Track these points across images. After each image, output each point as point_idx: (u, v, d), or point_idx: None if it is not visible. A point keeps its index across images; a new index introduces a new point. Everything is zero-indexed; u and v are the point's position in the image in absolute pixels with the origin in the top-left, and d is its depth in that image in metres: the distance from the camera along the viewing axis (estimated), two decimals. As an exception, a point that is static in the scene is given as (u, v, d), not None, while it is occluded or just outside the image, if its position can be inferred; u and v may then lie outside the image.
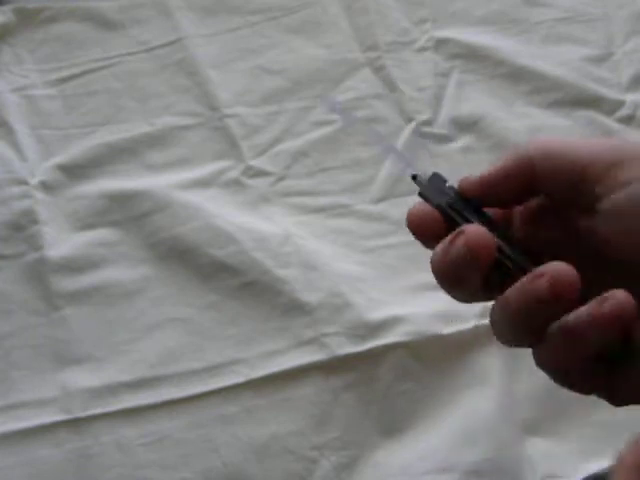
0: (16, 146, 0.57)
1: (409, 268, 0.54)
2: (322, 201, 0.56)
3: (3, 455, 0.49)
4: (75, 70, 0.60)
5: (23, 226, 0.55)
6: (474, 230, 0.27)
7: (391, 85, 0.60)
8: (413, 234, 0.30)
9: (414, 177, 0.30)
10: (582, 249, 0.28)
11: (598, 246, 0.28)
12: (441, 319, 0.51)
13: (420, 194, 0.30)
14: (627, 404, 0.28)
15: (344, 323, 0.51)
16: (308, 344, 0.51)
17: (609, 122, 0.59)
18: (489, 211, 0.30)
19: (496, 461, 0.48)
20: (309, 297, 0.52)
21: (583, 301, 0.26)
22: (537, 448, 0.49)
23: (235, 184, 0.57)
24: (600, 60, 0.61)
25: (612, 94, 0.59)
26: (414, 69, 0.60)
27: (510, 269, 0.28)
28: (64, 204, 0.56)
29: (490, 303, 0.29)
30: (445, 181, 0.30)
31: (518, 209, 0.31)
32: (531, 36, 0.62)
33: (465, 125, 0.59)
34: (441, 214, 0.29)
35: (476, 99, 0.60)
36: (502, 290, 0.27)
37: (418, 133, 0.58)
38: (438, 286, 0.54)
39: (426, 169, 0.56)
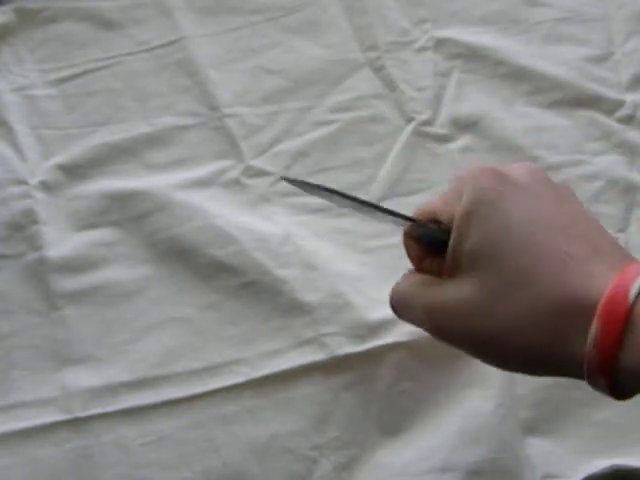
0: (16, 146, 0.57)
1: (409, 268, 0.54)
2: (322, 201, 0.56)
3: (3, 455, 0.49)
4: (75, 70, 0.60)
5: (23, 226, 0.55)
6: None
7: (391, 85, 0.60)
8: None
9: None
10: None
11: None
12: (441, 319, 0.51)
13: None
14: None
15: (344, 323, 0.51)
16: (308, 344, 0.51)
17: (609, 122, 0.59)
18: None
19: (496, 461, 0.48)
20: (309, 297, 0.52)
21: None
22: (537, 448, 0.49)
23: (235, 184, 0.57)
24: (600, 60, 0.61)
25: (612, 94, 0.59)
26: (414, 69, 0.60)
27: None
28: (64, 204, 0.56)
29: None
30: None
31: None
32: (531, 36, 0.62)
33: (465, 125, 0.59)
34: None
35: (476, 99, 0.59)
36: None
37: (417, 133, 0.58)
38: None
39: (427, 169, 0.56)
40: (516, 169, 0.37)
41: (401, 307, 0.39)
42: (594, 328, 0.31)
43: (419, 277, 0.39)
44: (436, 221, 0.39)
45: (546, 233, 0.34)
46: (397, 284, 0.40)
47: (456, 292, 0.35)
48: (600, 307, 0.31)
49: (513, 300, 0.34)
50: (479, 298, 0.34)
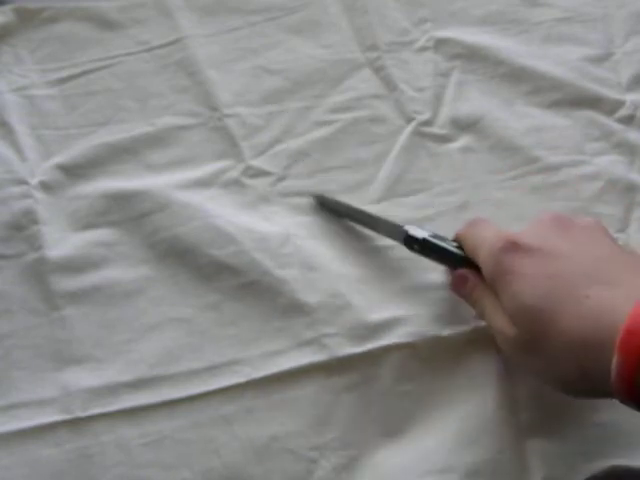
0: (16, 146, 0.57)
1: (409, 268, 0.54)
2: (322, 201, 0.56)
3: (3, 455, 0.49)
4: (75, 70, 0.60)
5: (23, 226, 0.55)
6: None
7: (391, 85, 0.60)
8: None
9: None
10: None
11: None
12: (441, 320, 0.51)
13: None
14: None
15: (344, 324, 0.51)
16: (308, 344, 0.51)
17: (609, 122, 0.59)
18: None
19: (496, 462, 0.48)
20: (309, 297, 0.52)
21: None
22: (537, 449, 0.49)
23: (235, 184, 0.57)
24: (600, 60, 0.61)
25: (612, 94, 0.59)
26: (414, 69, 0.60)
27: None
28: (64, 204, 0.56)
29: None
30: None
31: None
32: (531, 36, 0.62)
33: (465, 125, 0.59)
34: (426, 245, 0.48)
35: (476, 99, 0.60)
36: None
37: (417, 133, 0.59)
38: (438, 287, 0.55)
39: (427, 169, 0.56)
40: (529, 230, 0.43)
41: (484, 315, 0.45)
42: (615, 362, 0.34)
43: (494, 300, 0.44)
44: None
45: (564, 283, 0.39)
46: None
47: (508, 328, 0.42)
48: (619, 340, 0.34)
49: (543, 344, 0.39)
50: (521, 339, 0.40)
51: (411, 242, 0.50)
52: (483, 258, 0.43)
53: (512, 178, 0.57)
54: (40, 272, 0.53)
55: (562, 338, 0.38)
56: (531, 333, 0.39)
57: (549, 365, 0.39)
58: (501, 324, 0.42)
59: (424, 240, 0.49)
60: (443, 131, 0.59)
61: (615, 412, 0.49)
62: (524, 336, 0.40)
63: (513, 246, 0.41)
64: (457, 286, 0.48)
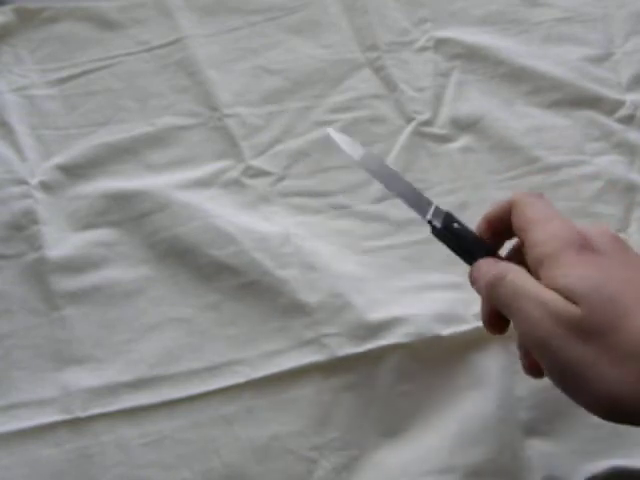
0: (16, 146, 0.57)
1: (409, 268, 0.54)
2: (322, 201, 0.56)
3: (3, 455, 0.49)
4: (75, 70, 0.60)
5: (23, 226, 0.55)
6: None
7: (391, 85, 0.60)
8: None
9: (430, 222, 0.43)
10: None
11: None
12: (441, 320, 0.51)
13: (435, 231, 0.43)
14: None
15: (344, 324, 0.51)
16: (308, 344, 0.51)
17: (609, 122, 0.59)
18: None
19: (496, 462, 0.48)
20: (309, 297, 0.52)
21: None
22: (537, 449, 0.49)
23: (235, 184, 0.57)
24: (600, 60, 0.61)
25: (612, 94, 0.59)
26: (414, 69, 0.60)
27: None
28: (64, 204, 0.56)
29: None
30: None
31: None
32: (531, 36, 0.62)
33: (465, 125, 0.59)
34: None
35: (476, 99, 0.60)
36: None
37: (417, 133, 0.59)
38: (438, 287, 0.54)
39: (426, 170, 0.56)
40: (598, 235, 0.40)
41: (510, 297, 0.40)
42: None
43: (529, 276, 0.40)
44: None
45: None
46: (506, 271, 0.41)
47: (567, 305, 0.37)
48: None
49: (613, 336, 0.36)
50: (587, 321, 0.37)
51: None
52: (545, 234, 0.40)
53: (512, 178, 0.57)
54: (40, 272, 0.54)
55: (632, 342, 0.36)
56: (603, 320, 0.37)
57: (605, 360, 0.36)
58: (557, 300, 0.38)
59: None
60: (443, 131, 0.59)
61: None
62: (592, 319, 0.37)
63: (587, 243, 0.39)
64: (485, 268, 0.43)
